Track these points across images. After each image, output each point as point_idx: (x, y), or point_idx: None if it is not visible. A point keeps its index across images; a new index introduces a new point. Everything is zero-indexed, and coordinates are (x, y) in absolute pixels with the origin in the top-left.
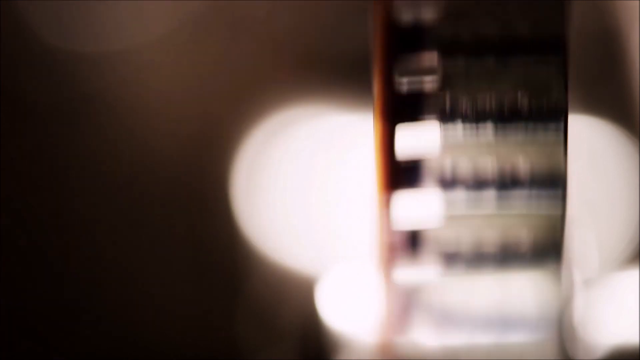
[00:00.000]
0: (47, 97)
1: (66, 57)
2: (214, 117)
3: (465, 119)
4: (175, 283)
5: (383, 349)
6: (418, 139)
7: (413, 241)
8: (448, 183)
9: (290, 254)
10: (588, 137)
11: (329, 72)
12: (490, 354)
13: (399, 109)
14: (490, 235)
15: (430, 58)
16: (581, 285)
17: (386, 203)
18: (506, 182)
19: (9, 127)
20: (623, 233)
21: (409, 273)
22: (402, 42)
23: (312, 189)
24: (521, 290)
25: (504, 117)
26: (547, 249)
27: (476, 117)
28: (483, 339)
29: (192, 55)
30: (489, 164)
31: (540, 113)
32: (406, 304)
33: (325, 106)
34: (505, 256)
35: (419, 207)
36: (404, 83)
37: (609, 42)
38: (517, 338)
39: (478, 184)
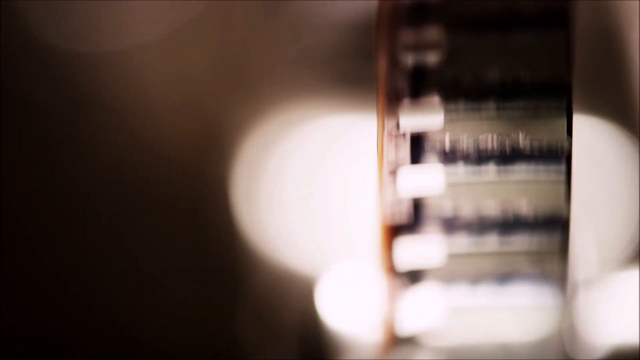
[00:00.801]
0: (47, 97)
1: (66, 57)
2: (214, 118)
3: (467, 94)
4: (175, 283)
5: (383, 348)
6: (421, 116)
7: (415, 221)
8: (450, 157)
9: (290, 254)
10: (588, 137)
11: (330, 72)
12: (491, 354)
13: (402, 85)
14: (493, 205)
15: (434, 33)
16: (581, 285)
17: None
18: (508, 156)
19: (9, 127)
20: (623, 233)
21: (411, 257)
22: (406, 17)
23: (312, 189)
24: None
25: (507, 92)
26: (552, 219)
27: (479, 92)
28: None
29: (192, 56)
30: (491, 140)
31: (543, 87)
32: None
33: (325, 107)
34: (509, 225)
35: (421, 182)
36: (407, 58)
37: (609, 42)
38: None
39: (481, 157)
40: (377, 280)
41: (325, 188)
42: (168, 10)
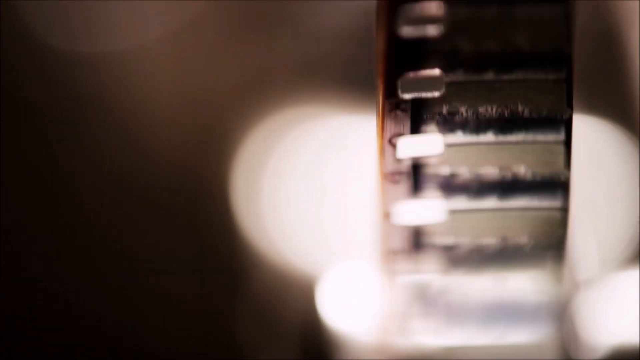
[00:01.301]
0: (47, 97)
1: (66, 57)
2: (214, 118)
3: (467, 65)
4: (175, 282)
5: (383, 349)
6: (420, 88)
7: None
8: (448, 127)
9: (291, 254)
10: (588, 137)
11: (331, 72)
12: (491, 354)
13: (402, 57)
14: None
15: (435, 6)
16: (581, 285)
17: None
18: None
19: (9, 127)
20: (623, 233)
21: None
22: None
23: (312, 189)
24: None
25: (507, 64)
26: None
27: (478, 64)
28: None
29: (192, 56)
30: (490, 110)
31: (543, 58)
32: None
33: (326, 107)
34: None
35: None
36: (407, 31)
37: (609, 42)
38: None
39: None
40: (377, 280)
41: (326, 188)
42: (168, 10)
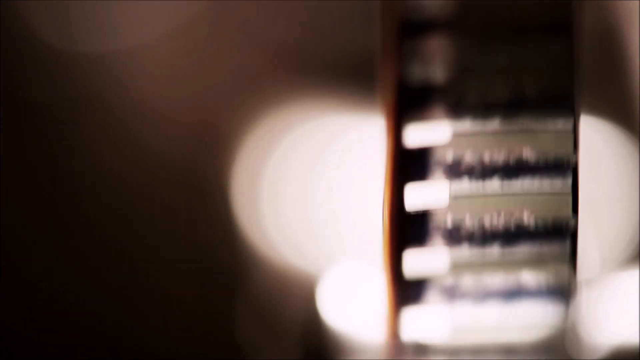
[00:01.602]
0: (47, 97)
1: (66, 57)
2: (214, 117)
3: (473, 109)
4: (175, 283)
5: (385, 348)
6: (426, 131)
7: (420, 222)
8: (455, 171)
9: (291, 253)
10: (588, 137)
11: (331, 71)
12: (494, 354)
13: (407, 101)
14: (496, 217)
15: (440, 46)
16: (581, 285)
17: (393, 194)
18: (513, 169)
19: (9, 127)
20: (623, 233)
21: (415, 254)
22: (411, 30)
23: (313, 188)
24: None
25: (513, 106)
26: (555, 229)
27: (484, 107)
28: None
29: (191, 55)
30: (497, 154)
31: (549, 101)
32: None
33: (327, 105)
34: (513, 236)
35: (426, 197)
36: (413, 71)
37: (609, 42)
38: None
39: (485, 171)
40: (378, 281)
41: (326, 188)
42: (168, 10)
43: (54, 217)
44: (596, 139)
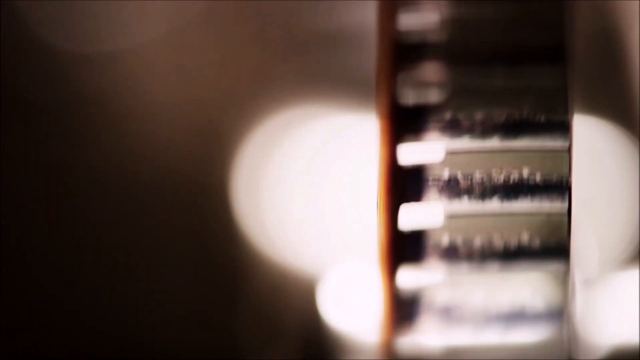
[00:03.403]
0: (47, 97)
1: (66, 57)
2: (215, 117)
3: (469, 131)
4: (175, 283)
5: (384, 349)
6: (422, 150)
7: (416, 241)
8: (452, 188)
9: (291, 253)
10: (588, 137)
11: (331, 71)
12: (492, 354)
13: (403, 122)
14: (494, 235)
15: (435, 70)
16: (581, 285)
17: (388, 206)
18: (510, 187)
19: (9, 127)
20: (623, 233)
21: (412, 272)
22: (406, 54)
23: (312, 189)
24: (524, 289)
25: (508, 128)
26: (552, 250)
27: (480, 129)
28: (486, 338)
29: (192, 55)
30: (492, 171)
31: (544, 124)
32: (408, 303)
33: (327, 106)
34: (509, 256)
35: (422, 209)
36: (409, 95)
37: (609, 42)
38: (520, 337)
39: (482, 188)
40: (377, 281)
41: (326, 188)
42: (168, 10)
43: (54, 217)
44: (596, 139)
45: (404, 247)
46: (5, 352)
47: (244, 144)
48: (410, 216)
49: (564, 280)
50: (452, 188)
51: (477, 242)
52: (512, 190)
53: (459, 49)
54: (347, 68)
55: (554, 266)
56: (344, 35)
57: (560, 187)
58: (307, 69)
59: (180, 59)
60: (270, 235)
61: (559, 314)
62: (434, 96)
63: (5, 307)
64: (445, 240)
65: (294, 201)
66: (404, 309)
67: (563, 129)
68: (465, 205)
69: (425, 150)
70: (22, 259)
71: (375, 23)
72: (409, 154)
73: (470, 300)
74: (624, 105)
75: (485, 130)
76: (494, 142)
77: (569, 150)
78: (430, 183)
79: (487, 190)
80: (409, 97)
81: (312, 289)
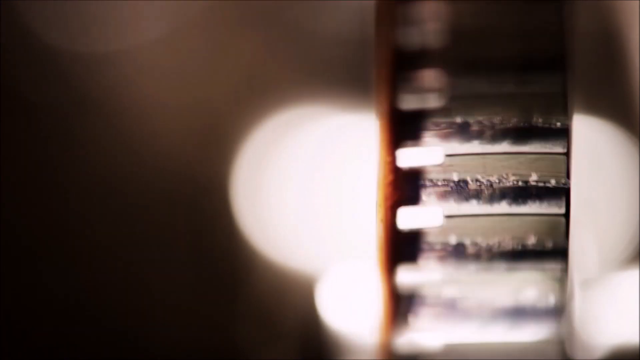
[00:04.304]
0: (47, 97)
1: (66, 57)
2: (214, 118)
3: (469, 136)
4: (175, 283)
5: (383, 348)
6: (422, 153)
7: (414, 241)
8: (457, 191)
9: (291, 253)
10: (588, 137)
11: (330, 71)
12: (492, 353)
13: (403, 126)
14: (495, 236)
15: (435, 76)
16: (581, 285)
17: (388, 208)
18: (512, 190)
19: (9, 127)
20: (623, 233)
21: (410, 272)
22: (407, 60)
23: (312, 189)
24: (524, 289)
25: (509, 133)
26: (551, 250)
27: (484, 134)
28: (486, 336)
29: (192, 56)
30: (494, 175)
31: (545, 129)
32: (406, 301)
33: (326, 106)
34: (509, 256)
35: (421, 211)
36: (408, 101)
37: (609, 42)
38: (520, 336)
39: (482, 190)
40: (377, 282)
41: (326, 188)
42: (168, 10)
43: (54, 217)
44: (596, 139)
45: (403, 247)
46: (5, 352)
47: (244, 144)
48: (410, 217)
49: (563, 281)
50: (458, 191)
51: (477, 242)
52: (514, 193)
53: (458, 55)
54: (347, 68)
55: (553, 266)
56: (343, 36)
57: (559, 190)
58: (307, 69)
59: (180, 59)
60: (270, 235)
61: (559, 313)
62: (433, 102)
63: (5, 307)
64: (445, 240)
65: (293, 201)
66: (402, 308)
67: (562, 133)
68: (468, 207)
69: (425, 154)
70: (23, 258)
71: (374, 27)
72: (409, 157)
73: (470, 299)
74: (624, 106)
75: (488, 134)
76: (496, 147)
77: (567, 154)
78: (429, 186)
79: (491, 194)
80: (409, 102)
81: (311, 289)
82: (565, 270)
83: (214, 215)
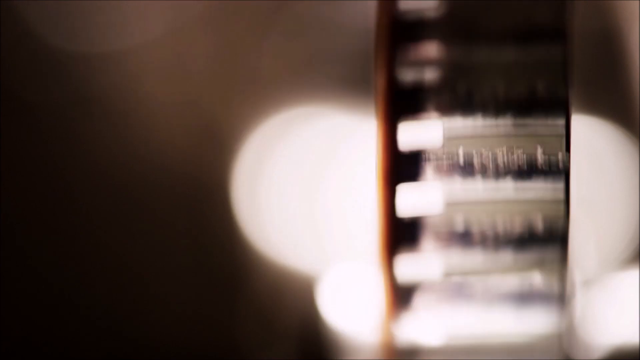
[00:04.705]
0: (47, 97)
1: (66, 57)
2: (214, 118)
3: (468, 111)
4: (175, 283)
5: (384, 344)
6: (422, 132)
7: (414, 226)
8: (453, 170)
9: (290, 253)
10: (588, 137)
11: (330, 71)
12: (492, 351)
13: (402, 101)
14: (493, 221)
15: (434, 49)
16: (581, 285)
17: (387, 190)
18: (509, 171)
19: (9, 127)
20: (623, 233)
21: (410, 258)
22: (405, 33)
23: (312, 189)
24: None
25: (504, 107)
26: (551, 236)
27: (479, 108)
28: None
29: (192, 55)
30: (490, 153)
31: (543, 104)
32: (408, 290)
33: (326, 106)
34: (511, 241)
35: (421, 198)
36: (407, 75)
37: (609, 42)
38: (522, 324)
39: (482, 172)
40: (376, 281)
41: (326, 188)
42: (168, 10)
43: (54, 217)
44: (596, 139)
45: (403, 232)
46: (5, 352)
47: (244, 144)
48: (410, 200)
49: (563, 267)
50: (463, 168)
51: (475, 226)
52: (519, 169)
53: (460, 26)
54: (348, 68)
55: (554, 252)
56: (344, 36)
57: (557, 171)
58: (307, 68)
59: (180, 59)
60: (270, 235)
61: (561, 299)
62: (433, 75)
63: (5, 306)
64: (446, 224)
65: (293, 201)
66: (404, 296)
67: (563, 106)
68: (471, 185)
69: (425, 131)
70: (23, 258)
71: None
72: (409, 134)
73: (473, 285)
74: (624, 106)
75: (491, 108)
76: (502, 121)
77: (567, 127)
78: (430, 165)
79: (485, 174)
80: (408, 77)
81: (311, 289)
82: (565, 255)
83: (214, 215)
